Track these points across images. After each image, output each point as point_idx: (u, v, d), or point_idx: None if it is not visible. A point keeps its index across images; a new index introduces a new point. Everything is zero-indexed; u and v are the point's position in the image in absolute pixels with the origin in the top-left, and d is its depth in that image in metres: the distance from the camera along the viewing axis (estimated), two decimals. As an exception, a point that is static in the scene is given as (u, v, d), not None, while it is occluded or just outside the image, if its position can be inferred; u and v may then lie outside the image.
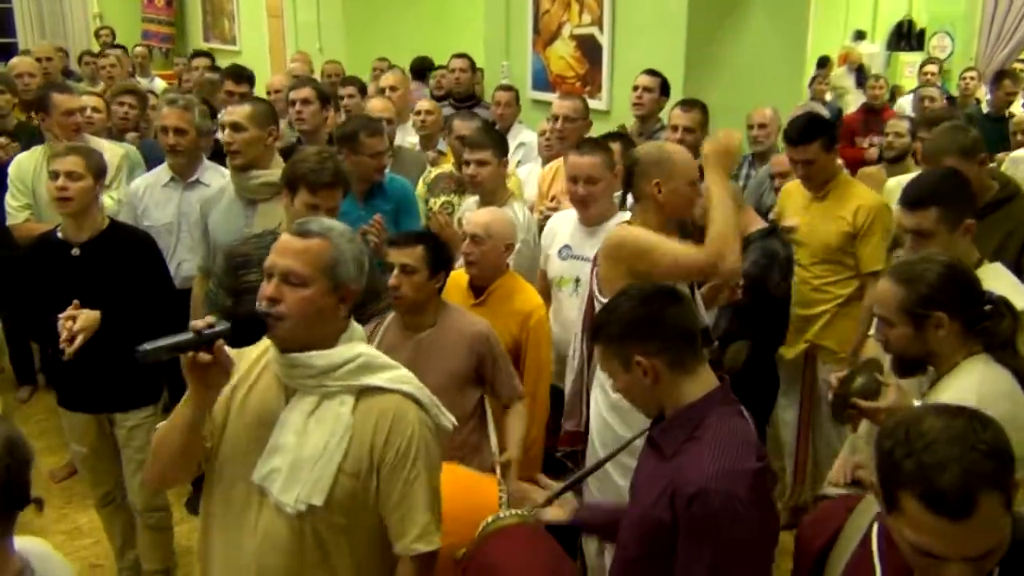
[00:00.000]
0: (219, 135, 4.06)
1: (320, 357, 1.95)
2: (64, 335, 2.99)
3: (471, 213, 3.56)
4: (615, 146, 3.78)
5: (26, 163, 4.34)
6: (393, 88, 5.68)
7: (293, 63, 7.55)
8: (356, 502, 1.99)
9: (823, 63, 9.77)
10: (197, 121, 4.12)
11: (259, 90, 6.31)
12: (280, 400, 2.00)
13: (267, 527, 1.99)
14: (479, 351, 2.96)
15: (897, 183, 3.76)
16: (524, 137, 5.46)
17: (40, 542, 1.67)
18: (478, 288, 3.36)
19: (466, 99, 6.12)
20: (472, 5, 7.79)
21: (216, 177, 4.11)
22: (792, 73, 5.80)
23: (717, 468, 1.84)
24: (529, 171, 4.86)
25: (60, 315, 3.03)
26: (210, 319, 1.86)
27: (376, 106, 4.78)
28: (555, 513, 2.41)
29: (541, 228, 3.84)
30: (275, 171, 3.45)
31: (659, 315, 1.99)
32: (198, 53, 8.50)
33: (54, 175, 3.23)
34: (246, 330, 1.90)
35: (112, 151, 4.37)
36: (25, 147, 4.55)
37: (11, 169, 4.34)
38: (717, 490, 1.81)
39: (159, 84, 7.62)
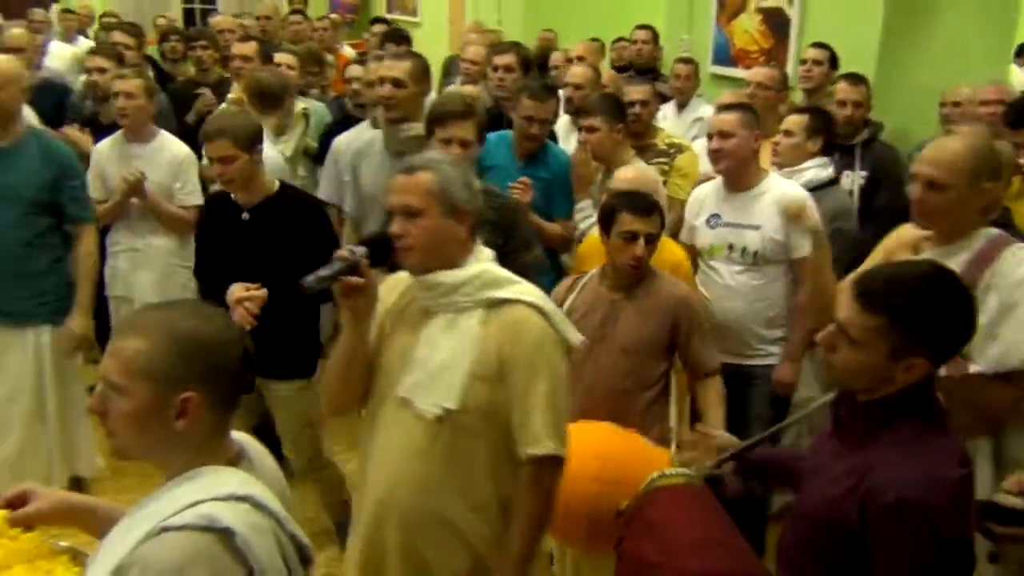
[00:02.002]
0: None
1: (448, 276, 2.15)
2: (239, 314, 3.04)
3: (619, 171, 3.52)
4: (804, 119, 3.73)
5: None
6: (581, 58, 5.72)
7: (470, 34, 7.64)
8: (489, 406, 2.14)
9: (1021, 52, 9.11)
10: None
11: (436, 64, 6.42)
12: (422, 323, 2.20)
13: (407, 436, 2.17)
14: (675, 315, 2.91)
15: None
16: (702, 112, 5.35)
17: (248, 436, 1.69)
18: None
19: (646, 71, 6.06)
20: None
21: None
22: (996, 57, 5.42)
23: (916, 475, 1.70)
24: (703, 146, 4.76)
25: (235, 287, 3.12)
26: (349, 247, 2.12)
27: (575, 72, 4.80)
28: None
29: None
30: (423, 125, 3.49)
31: (962, 324, 1.80)
32: (376, 20, 8.72)
33: (210, 160, 3.28)
34: (379, 249, 2.15)
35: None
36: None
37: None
38: (916, 500, 1.68)
39: (348, 52, 7.89)
